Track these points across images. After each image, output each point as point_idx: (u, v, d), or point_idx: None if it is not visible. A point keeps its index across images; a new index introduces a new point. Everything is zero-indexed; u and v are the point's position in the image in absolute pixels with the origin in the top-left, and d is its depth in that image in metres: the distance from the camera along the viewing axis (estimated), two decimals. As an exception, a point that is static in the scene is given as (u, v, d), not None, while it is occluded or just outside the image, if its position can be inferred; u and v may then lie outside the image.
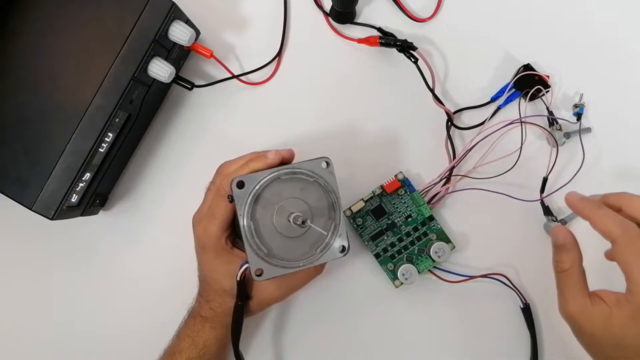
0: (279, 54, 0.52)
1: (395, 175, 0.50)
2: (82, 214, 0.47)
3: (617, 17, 0.53)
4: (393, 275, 0.49)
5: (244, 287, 0.41)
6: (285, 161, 0.41)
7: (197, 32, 0.48)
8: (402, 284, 0.49)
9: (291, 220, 0.38)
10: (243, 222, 0.37)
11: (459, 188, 0.50)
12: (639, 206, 0.37)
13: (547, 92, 0.51)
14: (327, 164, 0.39)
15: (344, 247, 0.39)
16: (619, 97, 0.52)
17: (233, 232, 0.43)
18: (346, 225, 0.44)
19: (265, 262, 0.37)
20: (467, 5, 0.53)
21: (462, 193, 0.50)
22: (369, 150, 0.52)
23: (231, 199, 0.38)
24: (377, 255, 0.50)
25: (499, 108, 0.51)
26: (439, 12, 0.53)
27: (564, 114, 0.52)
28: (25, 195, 0.42)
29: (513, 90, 0.51)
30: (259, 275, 0.37)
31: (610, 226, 0.36)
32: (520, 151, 0.49)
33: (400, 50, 0.49)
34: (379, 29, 0.52)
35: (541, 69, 0.52)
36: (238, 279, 0.40)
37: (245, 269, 0.39)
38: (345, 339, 0.51)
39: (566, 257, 0.38)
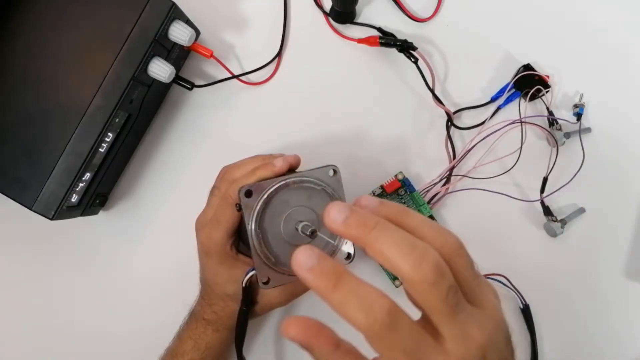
0: (279, 54, 0.52)
1: (395, 175, 0.50)
2: (82, 214, 0.47)
3: (617, 17, 0.53)
4: (393, 276, 0.49)
5: (249, 293, 0.41)
6: (292, 168, 0.41)
7: (197, 32, 0.48)
8: (402, 284, 0.48)
9: (300, 229, 0.37)
10: (251, 231, 0.37)
11: (459, 188, 0.50)
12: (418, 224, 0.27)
13: (547, 92, 0.51)
14: (335, 171, 0.39)
15: (349, 254, 0.40)
16: (619, 97, 0.52)
17: (237, 238, 0.43)
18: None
19: (273, 270, 0.37)
20: (467, 5, 0.53)
21: (462, 193, 0.50)
22: (369, 150, 0.52)
23: (239, 208, 0.38)
24: (377, 255, 0.50)
25: (499, 108, 0.51)
26: (439, 12, 0.53)
27: (564, 114, 0.52)
28: (25, 195, 0.42)
29: (513, 90, 0.51)
30: (265, 283, 0.37)
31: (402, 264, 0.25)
32: (520, 151, 0.49)
33: (400, 50, 0.49)
34: (379, 29, 0.52)
35: (541, 69, 0.52)
36: (244, 285, 0.40)
37: (252, 275, 0.39)
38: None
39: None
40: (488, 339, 0.26)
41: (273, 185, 0.37)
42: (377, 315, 0.23)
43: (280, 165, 0.39)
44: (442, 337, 0.25)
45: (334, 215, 0.25)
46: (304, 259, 0.24)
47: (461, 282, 0.26)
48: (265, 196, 0.37)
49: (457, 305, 0.25)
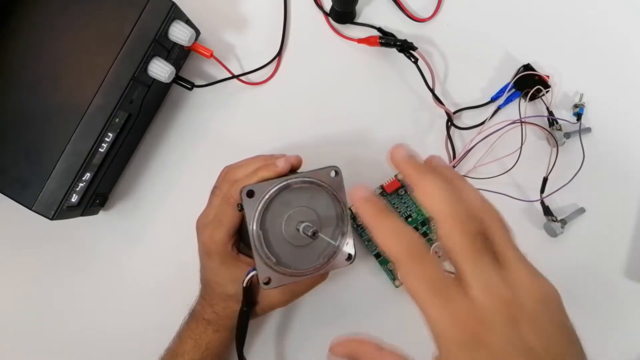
0: (279, 54, 0.52)
1: (395, 175, 0.50)
2: (82, 214, 0.47)
3: (617, 17, 0.53)
4: (393, 275, 0.49)
5: (250, 293, 0.41)
6: (293, 168, 0.41)
7: (197, 32, 0.48)
8: (402, 284, 0.49)
9: (301, 230, 0.38)
10: (252, 231, 0.37)
11: (459, 188, 0.50)
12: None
13: (547, 92, 0.51)
14: (336, 172, 0.39)
15: (350, 255, 0.40)
16: (619, 97, 0.52)
17: (238, 238, 0.43)
18: (353, 233, 0.44)
19: (274, 270, 0.37)
20: (467, 5, 0.53)
21: (462, 193, 0.50)
22: (369, 149, 0.52)
23: (241, 208, 0.38)
24: (377, 255, 0.50)
25: (499, 108, 0.51)
26: (439, 12, 0.53)
27: (564, 114, 0.52)
28: (25, 195, 0.42)
29: (513, 90, 0.51)
30: (266, 284, 0.37)
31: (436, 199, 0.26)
32: (520, 151, 0.49)
33: (400, 50, 0.49)
34: (379, 29, 0.52)
35: (541, 69, 0.52)
36: (244, 285, 0.40)
37: (252, 275, 0.39)
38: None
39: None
40: (514, 298, 0.25)
41: (275, 186, 0.37)
42: (406, 245, 0.25)
43: (282, 165, 0.39)
44: (467, 283, 0.25)
45: (403, 152, 0.28)
46: (359, 192, 0.27)
47: (495, 244, 0.27)
48: (266, 197, 0.37)
49: (482, 250, 0.26)
